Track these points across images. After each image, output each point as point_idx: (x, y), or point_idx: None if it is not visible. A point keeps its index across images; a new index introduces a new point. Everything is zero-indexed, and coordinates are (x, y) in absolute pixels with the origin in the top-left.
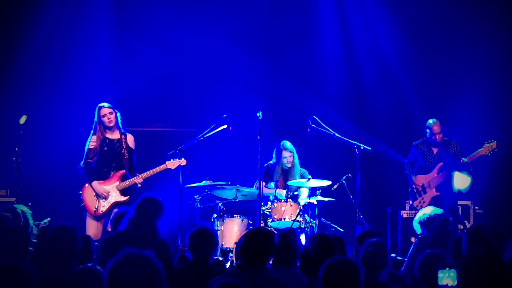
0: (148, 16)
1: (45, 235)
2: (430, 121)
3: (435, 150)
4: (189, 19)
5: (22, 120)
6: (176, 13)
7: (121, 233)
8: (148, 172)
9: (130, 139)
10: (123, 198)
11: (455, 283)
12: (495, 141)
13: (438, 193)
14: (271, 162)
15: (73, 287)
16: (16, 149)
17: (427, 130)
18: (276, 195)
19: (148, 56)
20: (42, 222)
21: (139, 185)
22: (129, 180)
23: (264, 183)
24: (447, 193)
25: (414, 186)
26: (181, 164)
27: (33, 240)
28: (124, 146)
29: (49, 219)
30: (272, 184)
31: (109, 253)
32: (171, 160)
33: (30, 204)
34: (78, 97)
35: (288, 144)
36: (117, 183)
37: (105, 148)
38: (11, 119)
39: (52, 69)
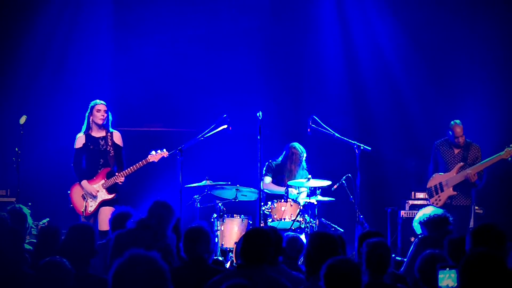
0: (148, 16)
1: (45, 235)
2: (452, 122)
3: (456, 151)
4: (189, 19)
5: (22, 120)
6: (176, 13)
7: (128, 232)
8: (129, 168)
9: (117, 136)
10: (109, 196)
11: (455, 284)
12: None
13: (455, 193)
14: (278, 160)
15: (41, 278)
16: (16, 149)
17: (450, 132)
18: (289, 196)
19: (148, 56)
20: (41, 222)
21: (120, 183)
22: (113, 177)
23: (270, 179)
24: (465, 193)
25: (431, 184)
26: (164, 156)
27: (32, 240)
28: (110, 144)
29: (48, 219)
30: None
31: (115, 252)
32: (153, 152)
33: (30, 204)
34: (78, 97)
35: (302, 147)
36: (103, 181)
37: (91, 147)
38: (11, 119)
39: (52, 69)
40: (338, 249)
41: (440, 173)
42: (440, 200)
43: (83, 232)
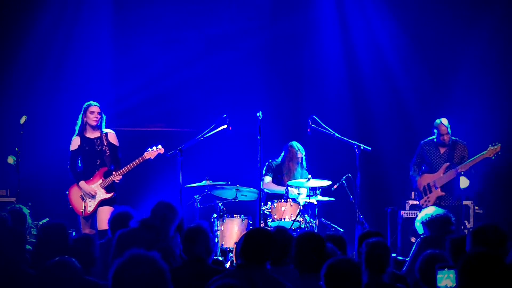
0: (148, 16)
1: None
2: (438, 121)
3: (442, 150)
4: (189, 19)
5: (22, 120)
6: (175, 13)
7: (131, 232)
8: (126, 167)
9: (112, 136)
10: (108, 195)
11: (454, 284)
12: (499, 144)
13: (443, 193)
14: (277, 160)
15: (48, 278)
16: (16, 149)
17: (435, 130)
18: (289, 195)
19: (148, 56)
20: (40, 223)
21: (117, 181)
22: (110, 176)
23: (270, 178)
24: (453, 193)
25: (418, 186)
26: (160, 153)
27: (32, 240)
28: (105, 143)
29: (47, 219)
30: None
31: (118, 251)
32: (149, 149)
33: (30, 204)
34: (78, 97)
35: (300, 145)
36: (101, 180)
37: (87, 148)
38: (11, 119)
39: (52, 69)
40: (325, 249)
41: (427, 174)
42: (429, 201)
43: (55, 231)
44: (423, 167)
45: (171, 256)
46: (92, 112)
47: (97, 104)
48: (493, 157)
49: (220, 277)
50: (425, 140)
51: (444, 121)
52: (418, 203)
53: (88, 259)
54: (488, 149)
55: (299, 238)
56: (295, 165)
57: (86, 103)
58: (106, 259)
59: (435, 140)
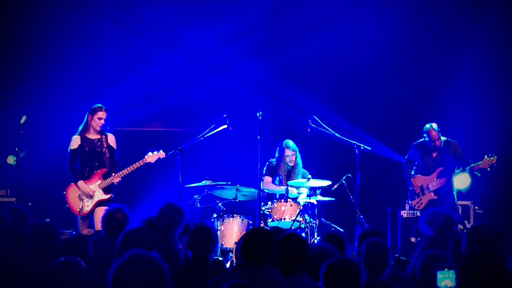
0: (148, 16)
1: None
2: (428, 126)
3: (434, 154)
4: (189, 18)
5: (22, 120)
6: (176, 13)
7: (136, 231)
8: (126, 169)
9: (111, 139)
10: (106, 196)
11: (454, 284)
12: (495, 156)
13: (436, 197)
14: (274, 159)
15: (55, 278)
16: (16, 149)
17: (425, 135)
18: (289, 195)
19: (147, 55)
20: None
21: (115, 183)
22: (109, 178)
23: (270, 178)
24: (445, 197)
25: (412, 187)
26: (160, 157)
27: None
28: (105, 146)
29: (48, 220)
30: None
31: (122, 250)
32: (150, 153)
33: (30, 204)
34: (78, 97)
35: (291, 143)
36: (99, 181)
37: (86, 148)
38: (11, 119)
39: (52, 69)
40: (307, 248)
41: (421, 175)
42: (421, 203)
43: (47, 231)
44: (415, 167)
45: (175, 257)
46: (100, 118)
47: (106, 111)
48: (488, 169)
49: (220, 277)
50: (417, 142)
51: (434, 125)
52: (410, 202)
53: (82, 259)
54: (484, 159)
55: (280, 240)
56: (285, 163)
57: (97, 105)
58: (100, 256)
59: (426, 144)
